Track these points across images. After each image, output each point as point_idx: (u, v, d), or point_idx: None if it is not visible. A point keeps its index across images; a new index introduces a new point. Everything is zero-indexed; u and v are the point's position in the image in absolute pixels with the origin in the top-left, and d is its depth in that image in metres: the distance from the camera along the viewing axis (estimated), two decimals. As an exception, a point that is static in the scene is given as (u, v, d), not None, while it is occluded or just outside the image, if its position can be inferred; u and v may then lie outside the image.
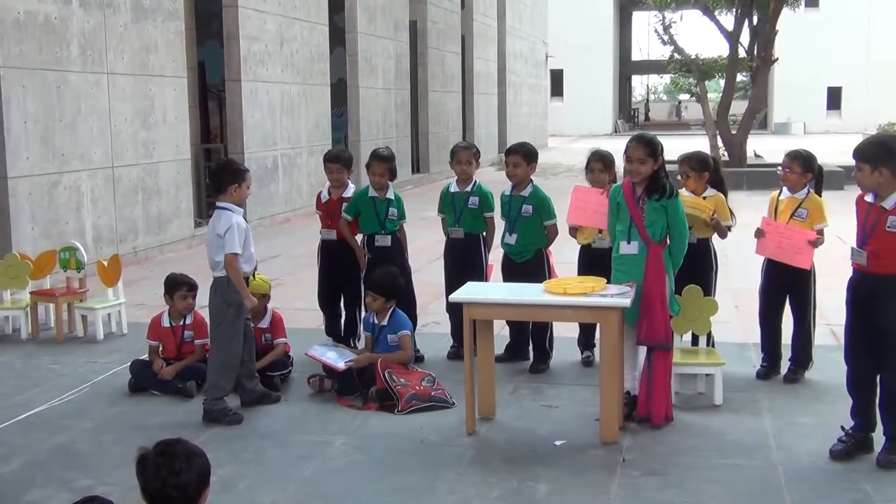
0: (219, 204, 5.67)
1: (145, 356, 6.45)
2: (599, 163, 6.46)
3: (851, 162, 4.90)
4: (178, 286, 6.46)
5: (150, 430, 5.40)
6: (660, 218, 5.36)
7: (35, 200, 9.71)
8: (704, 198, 6.25)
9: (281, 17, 15.06)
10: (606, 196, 6.09)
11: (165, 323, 6.45)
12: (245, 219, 5.76)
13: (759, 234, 6.19)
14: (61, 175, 10.10)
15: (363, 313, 6.82)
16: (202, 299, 6.39)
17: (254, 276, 5.95)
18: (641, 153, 5.36)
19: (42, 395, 6.19)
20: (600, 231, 6.39)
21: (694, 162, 6.35)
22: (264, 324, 6.42)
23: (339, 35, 18.02)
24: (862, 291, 4.82)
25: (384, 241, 6.87)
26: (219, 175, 5.74)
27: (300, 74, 15.87)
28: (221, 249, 5.55)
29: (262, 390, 5.99)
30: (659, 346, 5.34)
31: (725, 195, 6.35)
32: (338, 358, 6.16)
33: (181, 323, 6.44)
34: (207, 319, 5.96)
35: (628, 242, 5.44)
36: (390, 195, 6.92)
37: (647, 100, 76.74)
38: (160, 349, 6.43)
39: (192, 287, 6.49)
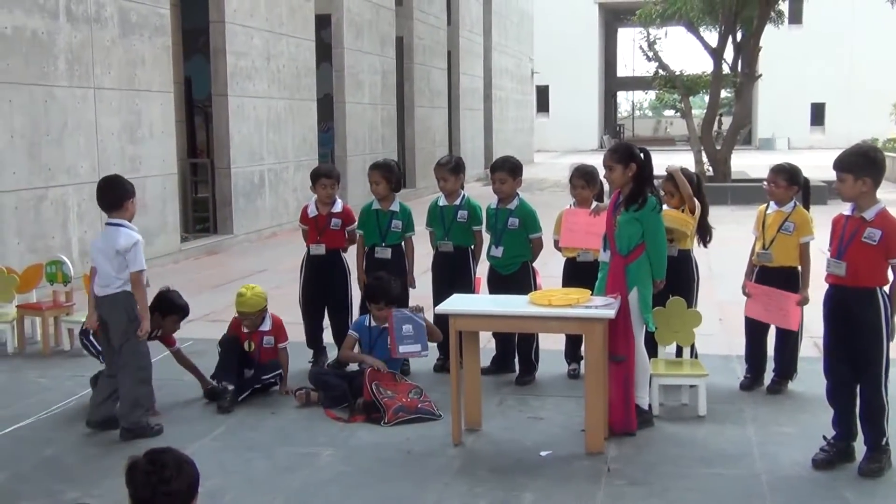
0: (113, 220, 5.58)
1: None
2: (581, 179, 6.53)
3: (835, 176, 4.94)
4: (175, 310, 6.32)
5: (136, 442, 5.40)
6: (630, 230, 5.42)
7: (21, 215, 9.72)
8: (682, 211, 6.31)
9: (268, 33, 15.12)
10: (594, 216, 6.17)
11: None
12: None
13: (746, 294, 6.32)
14: (48, 189, 10.10)
15: (351, 320, 6.86)
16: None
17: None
18: (608, 160, 5.51)
19: (28, 409, 6.18)
20: (588, 247, 6.45)
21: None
22: (265, 326, 6.49)
23: (325, 51, 18.07)
24: (840, 305, 4.87)
25: (384, 253, 6.91)
26: (113, 190, 5.62)
27: (287, 90, 15.91)
28: (122, 266, 5.47)
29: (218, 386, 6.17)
30: (612, 357, 5.39)
31: (706, 212, 6.41)
32: (409, 339, 6.10)
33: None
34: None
35: (604, 250, 5.61)
36: (395, 207, 6.96)
37: (633, 116, 76.69)
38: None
39: (185, 314, 6.43)
